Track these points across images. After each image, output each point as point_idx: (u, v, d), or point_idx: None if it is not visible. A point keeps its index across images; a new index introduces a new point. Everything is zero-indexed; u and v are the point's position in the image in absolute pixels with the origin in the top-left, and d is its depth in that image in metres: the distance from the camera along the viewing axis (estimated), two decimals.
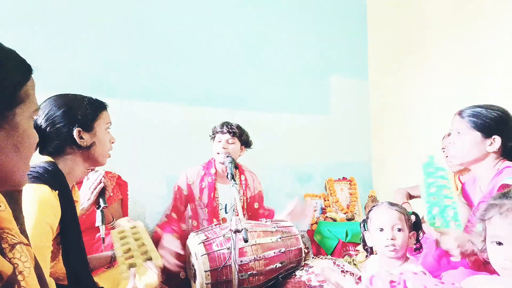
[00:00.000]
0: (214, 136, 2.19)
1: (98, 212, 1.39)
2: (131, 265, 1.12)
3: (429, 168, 1.52)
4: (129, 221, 1.38)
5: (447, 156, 2.21)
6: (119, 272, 1.11)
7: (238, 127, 2.21)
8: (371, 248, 1.42)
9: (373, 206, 1.41)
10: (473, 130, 1.38)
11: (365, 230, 1.42)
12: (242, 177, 2.27)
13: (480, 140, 1.37)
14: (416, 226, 1.36)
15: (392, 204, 1.36)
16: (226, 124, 2.19)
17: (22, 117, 0.62)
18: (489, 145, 1.36)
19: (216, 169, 2.19)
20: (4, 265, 0.59)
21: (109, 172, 2.10)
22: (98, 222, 1.38)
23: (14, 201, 0.74)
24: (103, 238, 1.37)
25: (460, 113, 1.44)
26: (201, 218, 2.14)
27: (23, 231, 0.72)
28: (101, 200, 1.41)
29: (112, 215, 1.94)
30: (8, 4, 1.98)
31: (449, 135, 2.17)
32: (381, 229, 1.31)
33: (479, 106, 1.42)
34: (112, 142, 1.27)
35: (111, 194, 1.95)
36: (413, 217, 1.37)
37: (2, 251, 0.61)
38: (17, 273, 0.60)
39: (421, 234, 1.39)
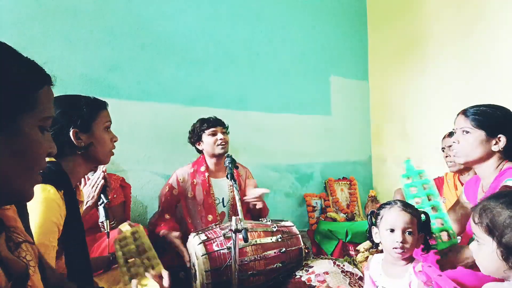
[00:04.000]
0: (201, 134, 2.21)
1: (101, 208, 1.40)
2: (132, 276, 1.11)
3: (406, 178, 1.50)
4: (130, 224, 1.37)
5: (446, 156, 2.22)
6: (121, 281, 1.11)
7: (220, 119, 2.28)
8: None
9: (386, 204, 1.37)
10: (477, 129, 1.37)
11: (373, 224, 1.40)
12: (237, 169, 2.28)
13: (485, 139, 1.36)
14: (425, 226, 1.34)
15: (406, 205, 1.32)
16: (209, 118, 2.23)
17: (27, 124, 0.59)
18: (494, 144, 1.36)
19: (207, 165, 2.21)
20: (16, 263, 0.60)
21: (113, 174, 2.10)
22: (102, 218, 1.38)
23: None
24: (108, 233, 1.38)
25: (464, 112, 1.43)
26: (196, 216, 2.15)
27: (27, 230, 0.73)
28: (102, 196, 1.42)
29: (114, 217, 1.94)
30: (8, 4, 1.98)
31: (449, 134, 2.20)
32: (392, 230, 1.29)
33: (483, 106, 1.41)
34: (115, 141, 1.26)
35: (112, 191, 1.95)
36: (422, 216, 1.34)
37: (10, 249, 0.62)
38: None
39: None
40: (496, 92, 2.44)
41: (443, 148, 2.28)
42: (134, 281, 1.07)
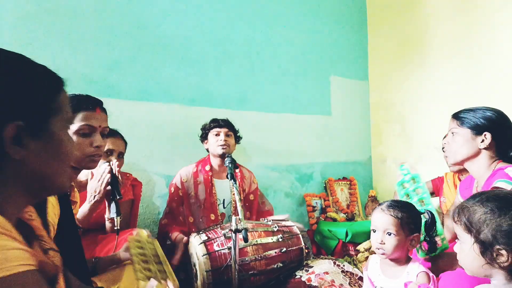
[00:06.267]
0: (207, 132, 2.23)
1: (112, 204, 1.36)
2: (150, 277, 1.09)
3: (401, 186, 1.51)
4: (148, 235, 1.30)
5: (446, 156, 2.22)
6: (135, 277, 1.08)
7: (231, 122, 2.29)
8: None
9: (379, 205, 1.42)
10: (463, 128, 1.41)
11: None
12: (237, 170, 2.28)
13: (471, 137, 1.39)
14: (426, 225, 1.36)
15: (389, 206, 1.33)
16: (219, 119, 2.25)
17: (57, 127, 0.65)
18: (481, 142, 1.38)
19: (211, 165, 2.22)
20: (51, 265, 0.65)
21: (125, 173, 2.05)
22: (113, 214, 1.35)
23: (42, 210, 0.80)
24: (118, 230, 1.34)
25: (453, 115, 1.48)
26: (198, 215, 2.15)
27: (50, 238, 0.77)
28: (115, 191, 1.37)
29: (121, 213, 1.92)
30: (8, 4, 1.98)
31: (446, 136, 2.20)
32: (374, 231, 1.34)
33: (472, 108, 1.44)
34: (96, 146, 1.16)
35: (122, 184, 1.90)
36: (426, 215, 1.36)
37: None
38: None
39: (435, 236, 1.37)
40: (496, 92, 2.44)
41: (443, 148, 2.28)
42: (153, 282, 1.04)
